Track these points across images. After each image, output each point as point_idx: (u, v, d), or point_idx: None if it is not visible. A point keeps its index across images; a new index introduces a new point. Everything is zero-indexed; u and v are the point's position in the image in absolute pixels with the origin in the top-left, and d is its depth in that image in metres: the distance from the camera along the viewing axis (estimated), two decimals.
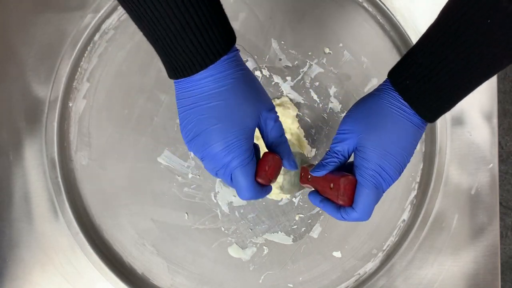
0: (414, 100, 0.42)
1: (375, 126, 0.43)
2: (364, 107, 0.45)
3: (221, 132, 0.39)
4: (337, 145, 0.45)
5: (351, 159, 0.46)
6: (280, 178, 0.57)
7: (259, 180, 0.42)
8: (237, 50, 0.40)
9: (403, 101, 0.42)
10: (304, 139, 0.65)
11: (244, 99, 0.39)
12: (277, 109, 0.64)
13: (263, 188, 0.43)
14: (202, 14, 0.36)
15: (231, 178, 0.41)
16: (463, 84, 0.41)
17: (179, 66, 0.38)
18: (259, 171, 0.42)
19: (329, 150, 0.46)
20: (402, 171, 0.44)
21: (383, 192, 0.44)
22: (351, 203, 0.43)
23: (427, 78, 0.41)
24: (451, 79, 0.40)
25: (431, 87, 0.41)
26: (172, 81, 0.64)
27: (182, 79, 0.39)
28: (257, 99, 0.41)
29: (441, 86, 0.41)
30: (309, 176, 0.49)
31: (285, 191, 0.57)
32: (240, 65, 0.40)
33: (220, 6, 0.39)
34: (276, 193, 0.63)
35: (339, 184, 0.43)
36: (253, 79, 0.42)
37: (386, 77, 0.45)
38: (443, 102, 0.42)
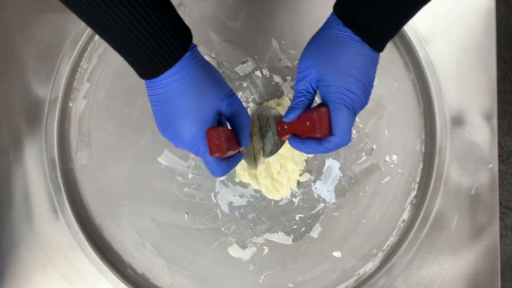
0: (358, 27, 0.44)
1: (329, 55, 0.45)
2: (316, 41, 0.47)
3: (185, 125, 0.45)
4: (300, 84, 0.47)
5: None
6: (259, 144, 0.59)
7: (216, 155, 0.45)
8: (194, 45, 0.45)
9: (349, 29, 0.45)
10: None
11: (201, 93, 0.45)
12: (277, 109, 0.64)
13: (230, 159, 0.48)
14: (156, 23, 0.40)
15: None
16: (400, 7, 0.44)
17: (143, 70, 0.43)
18: (210, 147, 0.45)
19: (294, 94, 0.48)
20: (369, 93, 0.46)
21: (356, 113, 0.45)
22: (329, 132, 0.45)
23: (367, 4, 0.43)
24: (388, 3, 0.43)
25: (371, 13, 0.43)
26: None
27: (149, 80, 0.44)
28: (213, 91, 0.45)
29: (380, 10, 0.43)
30: (285, 127, 0.50)
31: (269, 153, 0.58)
32: (197, 61, 0.45)
33: (172, 9, 0.42)
34: (275, 193, 0.63)
35: (314, 119, 0.45)
36: (210, 71, 0.46)
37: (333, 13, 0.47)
38: (384, 27, 0.44)
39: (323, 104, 0.46)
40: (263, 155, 0.58)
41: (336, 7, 0.47)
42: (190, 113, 0.44)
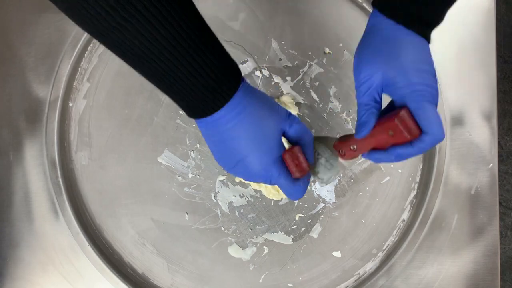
0: (409, 20, 0.42)
1: (389, 56, 0.43)
2: (369, 46, 0.45)
3: (254, 160, 0.42)
4: (364, 96, 0.44)
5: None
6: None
7: (298, 175, 0.43)
8: (243, 79, 0.42)
9: (399, 24, 0.43)
10: None
11: (262, 123, 0.42)
12: None
13: (303, 180, 0.45)
14: (209, 63, 0.38)
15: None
16: None
17: (195, 110, 0.41)
18: (292, 170, 0.44)
19: (359, 108, 0.45)
20: (437, 80, 0.44)
21: (436, 104, 0.43)
22: (419, 131, 0.42)
23: None
24: None
25: (420, 2, 0.42)
26: None
27: (201, 119, 0.42)
28: (272, 117, 0.43)
29: None
30: (352, 146, 0.46)
31: (325, 181, 0.55)
32: (248, 92, 0.42)
33: (220, 45, 0.40)
34: (275, 193, 0.63)
35: (396, 125, 0.41)
36: (263, 98, 0.43)
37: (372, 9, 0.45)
38: (432, 15, 0.43)
39: (395, 107, 0.43)
40: (321, 182, 0.55)
41: (378, 2, 0.44)
42: (256, 146, 0.42)
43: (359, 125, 0.45)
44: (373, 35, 0.44)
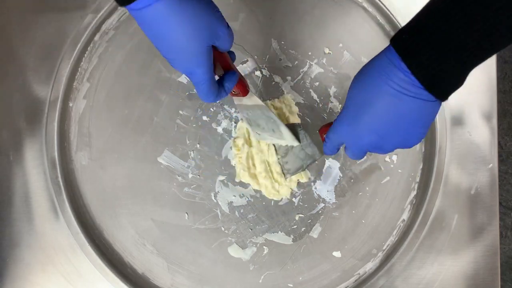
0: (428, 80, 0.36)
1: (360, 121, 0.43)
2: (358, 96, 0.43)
3: (185, 56, 0.42)
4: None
5: None
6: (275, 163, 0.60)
7: (219, 73, 0.48)
8: None
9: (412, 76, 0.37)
10: None
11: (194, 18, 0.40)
12: (280, 108, 0.64)
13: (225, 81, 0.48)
14: None
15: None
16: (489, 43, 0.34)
17: None
18: (216, 63, 0.47)
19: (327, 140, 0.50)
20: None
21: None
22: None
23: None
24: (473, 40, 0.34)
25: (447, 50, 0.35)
26: (171, 82, 0.64)
27: (134, 8, 0.39)
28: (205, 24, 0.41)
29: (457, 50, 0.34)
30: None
31: (291, 171, 0.59)
32: None
33: None
34: (275, 193, 0.63)
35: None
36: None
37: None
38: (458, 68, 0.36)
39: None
40: (285, 173, 0.60)
41: (402, 46, 0.37)
42: (185, 43, 0.41)
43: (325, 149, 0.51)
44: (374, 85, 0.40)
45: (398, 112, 0.39)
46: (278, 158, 0.61)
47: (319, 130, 0.53)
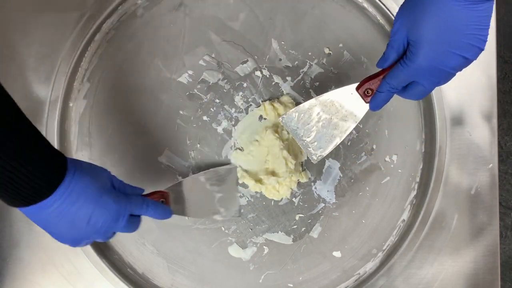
0: None
1: (416, 19, 0.43)
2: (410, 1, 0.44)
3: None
4: (392, 42, 0.46)
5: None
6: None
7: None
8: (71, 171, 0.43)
9: None
10: None
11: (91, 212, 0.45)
12: (280, 108, 0.64)
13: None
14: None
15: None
16: None
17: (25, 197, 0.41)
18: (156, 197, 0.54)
19: (386, 47, 0.47)
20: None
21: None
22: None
23: None
24: None
25: None
26: (172, 82, 0.64)
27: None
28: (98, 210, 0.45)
29: None
30: (368, 88, 0.50)
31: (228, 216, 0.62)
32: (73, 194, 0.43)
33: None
34: (275, 193, 0.63)
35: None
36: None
37: None
38: None
39: None
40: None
41: None
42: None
43: (381, 59, 0.48)
44: None
45: (471, 20, 0.41)
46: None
47: (357, 88, 0.50)
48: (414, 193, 0.66)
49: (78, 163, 0.44)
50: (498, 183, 0.65)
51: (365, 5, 0.66)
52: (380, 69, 0.49)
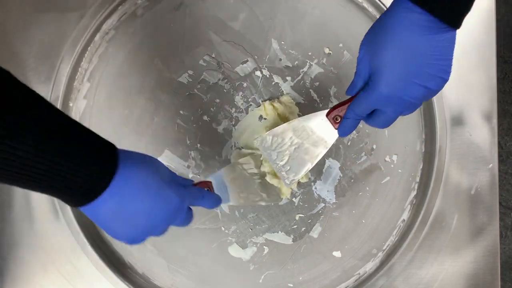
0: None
1: (377, 50, 0.42)
2: (374, 27, 0.44)
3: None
4: (358, 71, 0.46)
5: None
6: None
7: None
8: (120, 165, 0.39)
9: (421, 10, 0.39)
10: None
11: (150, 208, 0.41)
12: (279, 108, 0.64)
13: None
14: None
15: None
16: None
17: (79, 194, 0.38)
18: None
19: (355, 76, 0.47)
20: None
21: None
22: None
23: None
24: None
25: None
26: (172, 82, 0.64)
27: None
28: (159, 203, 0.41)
29: None
30: (337, 115, 0.51)
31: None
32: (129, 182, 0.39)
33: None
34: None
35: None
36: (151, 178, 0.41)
37: None
38: None
39: None
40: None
41: None
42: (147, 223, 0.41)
43: (350, 86, 0.48)
44: (387, 17, 0.43)
45: (432, 50, 0.41)
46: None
47: (327, 114, 0.51)
48: (414, 193, 0.66)
49: (130, 154, 0.41)
50: (498, 183, 0.65)
51: (365, 5, 0.66)
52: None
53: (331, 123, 0.51)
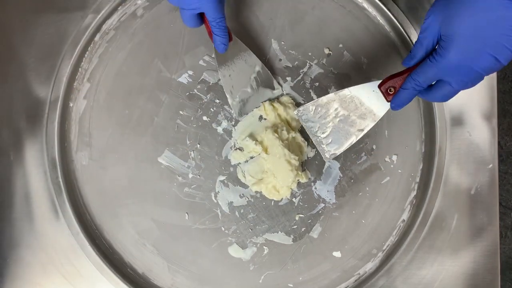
0: None
1: (449, 15, 0.42)
2: None
3: None
4: (421, 38, 0.45)
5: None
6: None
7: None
8: None
9: None
10: (303, 140, 0.65)
11: None
12: (279, 108, 0.64)
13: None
14: None
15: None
16: None
17: None
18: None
19: (414, 44, 0.46)
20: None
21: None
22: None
23: None
24: None
25: None
26: (172, 82, 0.64)
27: None
28: None
29: None
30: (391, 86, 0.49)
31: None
32: None
33: None
34: (275, 193, 0.63)
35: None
36: None
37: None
38: None
39: None
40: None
41: None
42: None
43: (408, 56, 0.47)
44: None
45: (506, 22, 0.40)
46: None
47: (379, 85, 0.49)
48: (414, 193, 0.66)
49: None
50: (498, 183, 0.65)
51: (365, 5, 0.66)
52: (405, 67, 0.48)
53: (384, 95, 0.49)
